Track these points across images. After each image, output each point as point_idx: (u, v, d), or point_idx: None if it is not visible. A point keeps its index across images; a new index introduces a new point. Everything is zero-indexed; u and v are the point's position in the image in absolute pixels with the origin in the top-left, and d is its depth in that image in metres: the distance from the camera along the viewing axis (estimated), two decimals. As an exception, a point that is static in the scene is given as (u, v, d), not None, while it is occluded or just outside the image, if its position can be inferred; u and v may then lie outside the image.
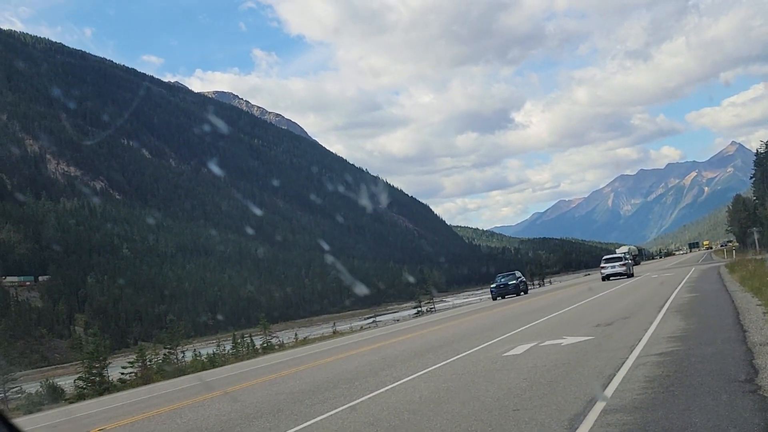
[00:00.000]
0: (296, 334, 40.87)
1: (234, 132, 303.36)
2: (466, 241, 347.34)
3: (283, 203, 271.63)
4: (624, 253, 75.59)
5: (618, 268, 51.97)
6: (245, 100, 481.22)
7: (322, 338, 38.48)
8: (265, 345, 35.36)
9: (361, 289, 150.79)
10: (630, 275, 51.94)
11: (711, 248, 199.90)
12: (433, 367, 13.72)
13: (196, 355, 33.84)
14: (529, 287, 75.52)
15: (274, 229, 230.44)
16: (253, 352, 33.99)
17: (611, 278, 50.87)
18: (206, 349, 38.84)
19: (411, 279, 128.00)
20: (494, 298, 52.55)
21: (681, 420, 6.84)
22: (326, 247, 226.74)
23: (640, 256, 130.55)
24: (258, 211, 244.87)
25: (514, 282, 53.91)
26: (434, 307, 56.06)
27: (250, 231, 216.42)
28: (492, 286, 55.09)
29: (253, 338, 36.56)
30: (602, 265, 54.33)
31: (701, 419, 6.72)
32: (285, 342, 37.64)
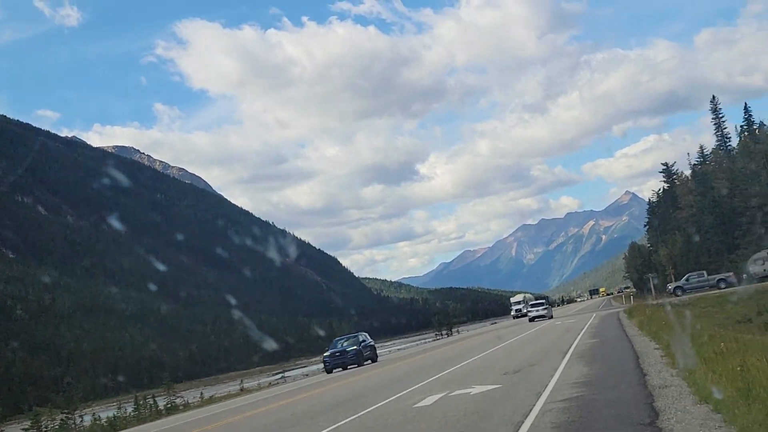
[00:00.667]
0: (202, 393, 39.44)
1: (135, 186, 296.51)
2: (375, 292, 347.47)
3: (187, 258, 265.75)
4: (519, 301, 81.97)
5: (542, 311, 64.12)
6: (147, 155, 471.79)
7: (229, 396, 37.40)
8: (168, 405, 34.06)
9: (270, 344, 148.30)
10: (550, 317, 61.98)
11: (611, 294, 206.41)
12: (343, 422, 13.58)
13: (95, 418, 32.36)
14: (439, 337, 75.31)
15: (177, 285, 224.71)
16: (157, 413, 32.72)
17: (536, 320, 61.22)
18: (107, 412, 37.22)
19: (321, 332, 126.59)
20: (329, 371, 39.82)
21: (587, 464, 7.00)
22: (233, 301, 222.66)
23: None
24: (161, 267, 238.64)
25: (355, 348, 40.64)
26: (343, 361, 54.99)
27: (153, 287, 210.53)
28: (325, 354, 41.67)
29: (157, 399, 35.15)
30: (529, 308, 67.45)
31: (606, 463, 6.90)
32: (190, 402, 36.38)
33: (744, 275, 64.90)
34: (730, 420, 7.65)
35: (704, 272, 69.54)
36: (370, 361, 41.85)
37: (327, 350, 41.99)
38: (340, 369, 39.82)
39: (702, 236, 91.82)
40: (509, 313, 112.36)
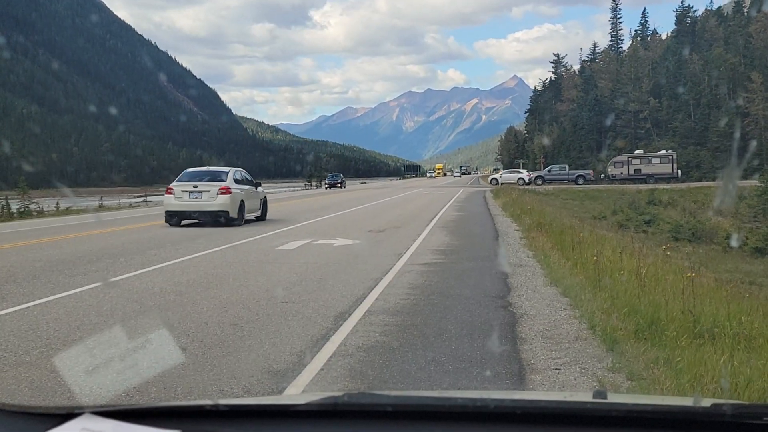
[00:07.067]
0: (58, 203, 37.94)
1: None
2: (250, 132, 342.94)
3: (58, 63, 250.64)
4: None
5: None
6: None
7: (87, 210, 36.24)
8: (22, 210, 32.55)
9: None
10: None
11: (444, 174, 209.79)
12: (204, 252, 13.49)
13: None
14: (308, 188, 75.63)
15: (43, 89, 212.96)
16: (8, 216, 31.28)
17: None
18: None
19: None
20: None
21: (437, 325, 7.25)
22: (96, 110, 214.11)
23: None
24: (27, 65, 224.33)
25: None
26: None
27: (16, 86, 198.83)
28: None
29: (9, 201, 33.39)
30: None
31: (455, 327, 7.16)
32: (45, 209, 34.94)
33: (602, 175, 68.44)
34: (575, 304, 8.07)
35: (566, 166, 72.69)
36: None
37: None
38: None
39: (577, 131, 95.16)
40: (380, 176, 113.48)
